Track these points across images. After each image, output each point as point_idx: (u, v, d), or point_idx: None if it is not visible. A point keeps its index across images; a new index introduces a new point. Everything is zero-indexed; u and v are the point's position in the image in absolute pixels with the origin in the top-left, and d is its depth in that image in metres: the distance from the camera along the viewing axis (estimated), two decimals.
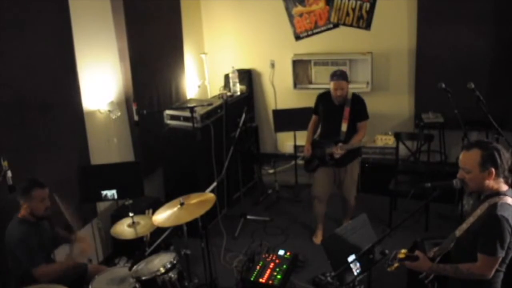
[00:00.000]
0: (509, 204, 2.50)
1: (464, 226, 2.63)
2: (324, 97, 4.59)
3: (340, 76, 4.39)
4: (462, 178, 2.58)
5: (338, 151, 4.38)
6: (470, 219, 2.60)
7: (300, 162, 5.94)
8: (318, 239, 4.75)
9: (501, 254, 2.49)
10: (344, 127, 4.45)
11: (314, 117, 4.74)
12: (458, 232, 2.66)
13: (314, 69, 6.05)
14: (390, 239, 3.28)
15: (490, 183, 2.54)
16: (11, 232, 3.19)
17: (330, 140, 4.49)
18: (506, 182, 2.58)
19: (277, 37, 6.22)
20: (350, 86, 5.32)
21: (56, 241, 3.58)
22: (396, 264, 2.72)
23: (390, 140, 4.71)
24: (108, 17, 4.60)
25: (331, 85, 4.43)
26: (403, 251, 2.73)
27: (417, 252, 2.76)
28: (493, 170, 2.50)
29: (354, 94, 4.53)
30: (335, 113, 4.49)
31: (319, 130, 4.75)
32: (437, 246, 2.90)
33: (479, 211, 2.56)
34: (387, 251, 2.81)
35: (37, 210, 3.19)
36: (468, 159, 2.55)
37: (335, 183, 4.68)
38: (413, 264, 2.72)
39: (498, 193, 2.54)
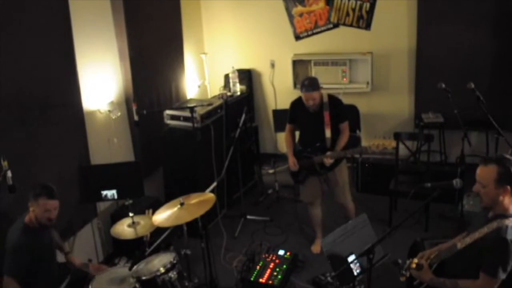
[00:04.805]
0: None
1: (468, 240, 2.61)
2: (299, 104, 4.30)
3: (309, 87, 4.10)
4: (477, 192, 2.57)
5: (328, 160, 4.17)
6: (476, 235, 2.57)
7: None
8: (316, 248, 4.56)
9: (503, 276, 2.49)
10: (328, 133, 4.22)
11: (289, 126, 4.47)
12: (459, 245, 2.64)
13: (314, 69, 6.04)
14: (390, 239, 3.28)
15: (505, 200, 2.53)
16: (12, 236, 3.15)
17: (314, 147, 4.27)
18: None
19: (277, 37, 6.22)
20: (351, 86, 5.33)
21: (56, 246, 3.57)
22: (408, 274, 2.72)
23: (389, 145, 4.09)
24: (108, 17, 4.60)
25: (302, 95, 4.19)
26: (415, 261, 2.74)
27: (420, 259, 2.77)
28: (508, 188, 2.49)
29: (330, 96, 4.26)
30: (315, 119, 4.23)
31: (297, 139, 4.54)
32: (432, 247, 2.90)
33: (486, 229, 2.54)
34: (400, 261, 2.81)
35: (40, 218, 3.13)
36: (484, 173, 2.54)
37: (326, 188, 4.48)
38: (416, 273, 2.73)
39: (510, 215, 2.52)
